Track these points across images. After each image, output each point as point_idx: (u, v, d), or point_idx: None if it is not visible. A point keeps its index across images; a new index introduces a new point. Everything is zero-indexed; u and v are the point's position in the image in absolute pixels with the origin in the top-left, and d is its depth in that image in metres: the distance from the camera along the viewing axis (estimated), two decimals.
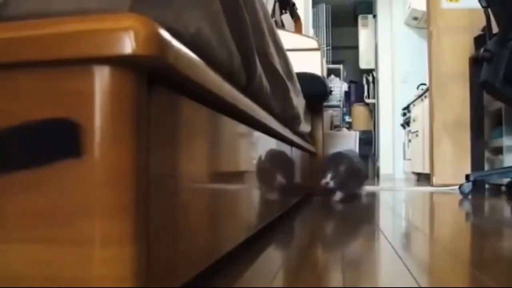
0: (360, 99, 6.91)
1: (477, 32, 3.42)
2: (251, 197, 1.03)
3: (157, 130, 0.50)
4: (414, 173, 5.34)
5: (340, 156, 2.46)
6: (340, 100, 5.37)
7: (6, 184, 0.46)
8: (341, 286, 0.76)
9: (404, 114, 5.84)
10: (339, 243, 1.22)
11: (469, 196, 2.71)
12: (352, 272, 0.86)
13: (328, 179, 2.28)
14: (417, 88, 5.46)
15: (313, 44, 3.07)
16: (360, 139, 3.36)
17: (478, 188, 3.11)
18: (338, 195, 2.38)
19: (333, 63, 6.28)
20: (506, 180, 3.07)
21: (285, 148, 1.56)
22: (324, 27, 6.58)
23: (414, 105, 5.15)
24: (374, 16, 6.86)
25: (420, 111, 4.71)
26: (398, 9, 6.40)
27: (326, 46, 6.47)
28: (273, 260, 0.95)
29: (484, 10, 2.75)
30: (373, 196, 2.89)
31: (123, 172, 0.45)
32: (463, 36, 3.69)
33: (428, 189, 3.57)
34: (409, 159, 5.52)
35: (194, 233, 0.63)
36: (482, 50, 2.67)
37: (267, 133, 1.19)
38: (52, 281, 0.45)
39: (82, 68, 0.45)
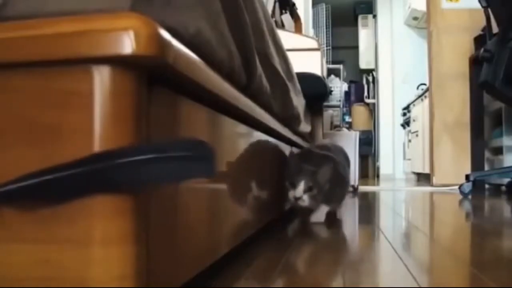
0: (360, 99, 6.91)
1: (477, 32, 3.42)
2: (251, 197, 1.03)
3: (157, 130, 0.50)
4: (414, 173, 5.34)
5: (318, 155, 1.47)
6: (340, 100, 5.37)
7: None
8: (341, 286, 0.76)
9: (404, 114, 5.84)
10: (339, 242, 1.22)
11: (469, 196, 2.71)
12: (352, 272, 0.86)
13: (300, 193, 1.33)
14: (417, 88, 5.46)
15: (313, 44, 3.07)
16: (360, 139, 3.34)
17: (478, 188, 3.11)
18: (319, 215, 1.48)
19: (333, 63, 6.27)
20: (506, 180, 3.07)
21: (285, 148, 1.56)
22: (324, 27, 6.58)
23: (414, 105, 5.15)
24: (374, 16, 6.85)
25: (420, 111, 4.71)
26: (398, 9, 6.40)
27: (326, 46, 6.47)
28: (273, 260, 0.95)
29: (484, 10, 2.75)
30: (373, 196, 2.89)
31: None
32: (463, 36, 3.69)
33: (428, 189, 3.57)
34: (409, 159, 5.52)
35: (194, 233, 0.63)
36: (482, 50, 2.67)
37: (267, 133, 1.20)
38: (53, 281, 0.45)
39: (82, 68, 0.45)
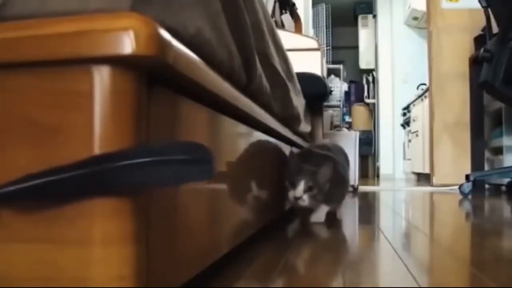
0: (360, 99, 6.91)
1: (477, 32, 3.42)
2: (251, 197, 1.03)
3: (157, 130, 0.50)
4: (414, 173, 5.34)
5: (318, 155, 1.46)
6: (340, 100, 5.36)
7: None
8: (341, 286, 0.76)
9: (404, 114, 5.85)
10: (339, 242, 1.22)
11: (469, 196, 2.71)
12: (352, 272, 0.86)
13: (300, 193, 1.34)
14: (417, 88, 5.46)
15: (313, 44, 3.06)
16: (360, 139, 3.34)
17: (478, 188, 3.11)
18: (319, 215, 1.47)
19: (333, 63, 6.27)
20: (506, 180, 3.07)
21: (285, 148, 1.56)
22: (324, 27, 6.58)
23: (414, 105, 5.15)
24: (374, 16, 6.86)
25: (420, 111, 4.71)
26: (398, 9, 6.41)
27: (326, 46, 6.47)
28: (273, 260, 0.95)
29: (484, 10, 2.75)
30: (373, 196, 2.89)
31: None
32: (463, 36, 3.69)
33: (428, 189, 3.57)
34: (409, 159, 5.52)
35: (194, 234, 0.63)
36: (482, 50, 2.67)
37: (267, 133, 1.19)
38: (53, 281, 0.45)
39: (82, 68, 0.45)
